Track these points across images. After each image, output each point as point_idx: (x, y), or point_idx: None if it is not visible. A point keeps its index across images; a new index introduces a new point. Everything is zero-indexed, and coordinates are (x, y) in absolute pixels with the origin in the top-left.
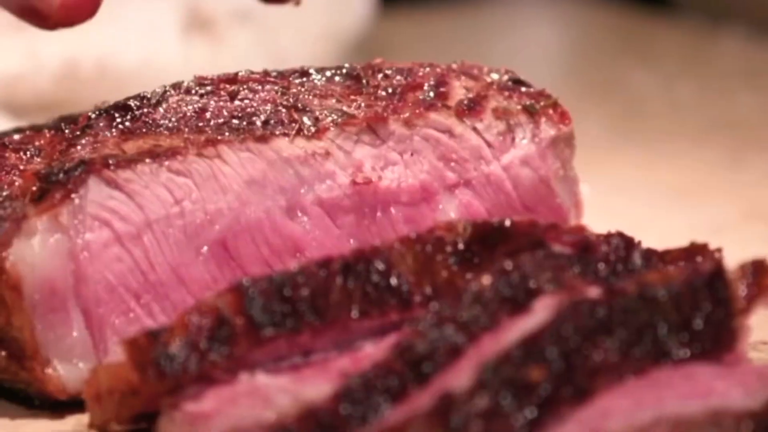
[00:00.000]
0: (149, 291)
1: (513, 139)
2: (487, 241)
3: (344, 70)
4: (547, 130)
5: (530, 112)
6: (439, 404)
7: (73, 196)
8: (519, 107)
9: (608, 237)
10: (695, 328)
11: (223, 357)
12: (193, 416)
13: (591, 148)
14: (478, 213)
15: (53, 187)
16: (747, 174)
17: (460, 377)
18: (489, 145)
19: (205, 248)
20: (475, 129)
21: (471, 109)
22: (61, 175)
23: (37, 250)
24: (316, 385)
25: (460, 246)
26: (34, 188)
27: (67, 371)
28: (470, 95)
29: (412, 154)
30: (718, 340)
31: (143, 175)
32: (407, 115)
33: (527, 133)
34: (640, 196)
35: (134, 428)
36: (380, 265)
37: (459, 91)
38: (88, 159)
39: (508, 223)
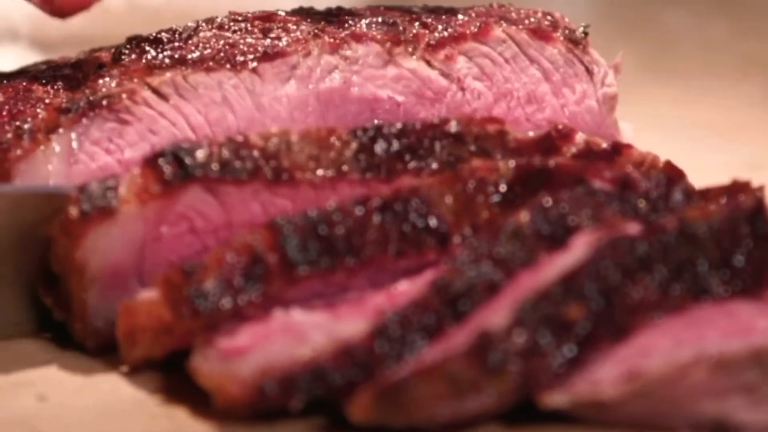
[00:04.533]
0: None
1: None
2: (529, 182)
3: (380, 18)
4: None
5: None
6: (476, 342)
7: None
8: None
9: (649, 174)
10: (736, 265)
11: (257, 295)
12: (227, 352)
13: (624, 87)
14: None
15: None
16: None
17: (497, 315)
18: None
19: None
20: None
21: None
22: (82, 106)
23: (113, 239)
24: (351, 323)
25: (502, 187)
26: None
27: (103, 328)
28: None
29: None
30: (758, 277)
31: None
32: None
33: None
34: (676, 134)
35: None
36: (419, 204)
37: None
38: (114, 92)
39: (552, 163)
